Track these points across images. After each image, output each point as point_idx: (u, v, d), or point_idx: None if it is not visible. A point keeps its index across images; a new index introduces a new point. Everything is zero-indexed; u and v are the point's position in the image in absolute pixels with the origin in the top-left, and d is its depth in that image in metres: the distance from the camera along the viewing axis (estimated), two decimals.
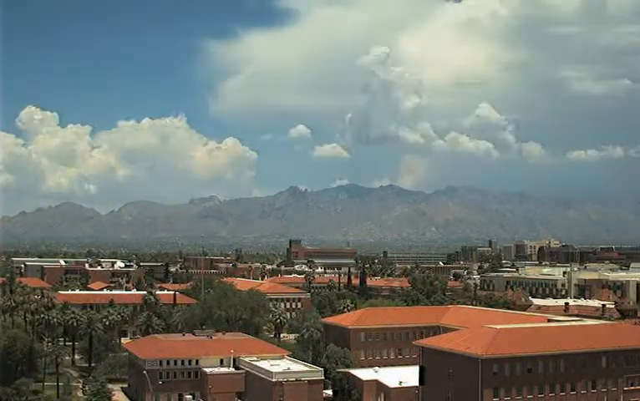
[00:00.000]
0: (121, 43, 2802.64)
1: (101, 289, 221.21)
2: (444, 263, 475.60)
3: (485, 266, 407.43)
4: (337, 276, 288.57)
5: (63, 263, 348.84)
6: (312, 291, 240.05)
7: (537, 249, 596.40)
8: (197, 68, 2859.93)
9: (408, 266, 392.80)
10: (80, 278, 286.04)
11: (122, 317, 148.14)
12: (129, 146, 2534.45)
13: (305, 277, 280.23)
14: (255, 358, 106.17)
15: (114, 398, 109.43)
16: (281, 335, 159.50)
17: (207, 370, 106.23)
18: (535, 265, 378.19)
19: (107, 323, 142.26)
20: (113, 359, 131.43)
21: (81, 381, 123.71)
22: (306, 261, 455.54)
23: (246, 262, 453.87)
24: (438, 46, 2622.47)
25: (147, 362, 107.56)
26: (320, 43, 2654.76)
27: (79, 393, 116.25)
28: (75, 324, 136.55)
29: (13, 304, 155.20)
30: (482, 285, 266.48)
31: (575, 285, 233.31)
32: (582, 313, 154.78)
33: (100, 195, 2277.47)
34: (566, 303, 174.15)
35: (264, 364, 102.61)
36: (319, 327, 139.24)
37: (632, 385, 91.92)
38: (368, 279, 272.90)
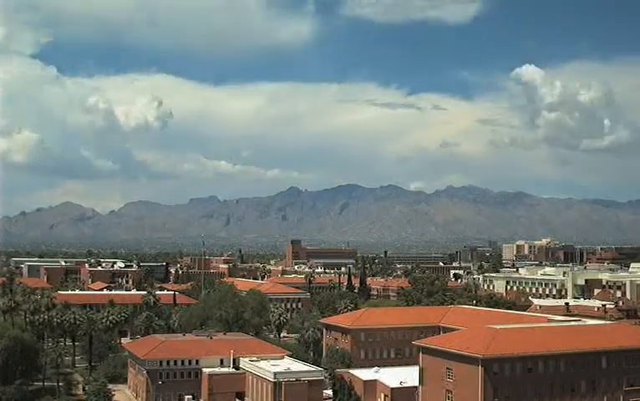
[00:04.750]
0: None
1: (101, 289, 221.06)
2: (444, 263, 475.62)
3: (486, 266, 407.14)
4: (337, 276, 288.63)
5: (63, 263, 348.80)
6: (313, 291, 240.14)
7: (537, 249, 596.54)
8: None
9: (409, 266, 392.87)
10: (79, 278, 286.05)
11: (122, 317, 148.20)
12: None
13: (305, 277, 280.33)
14: (255, 358, 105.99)
15: (114, 398, 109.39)
16: (282, 335, 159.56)
17: (207, 370, 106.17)
18: (535, 265, 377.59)
19: (107, 323, 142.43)
20: (113, 359, 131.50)
21: (81, 381, 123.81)
22: (306, 261, 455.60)
23: (246, 262, 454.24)
24: None
25: (147, 362, 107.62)
26: None
27: (80, 393, 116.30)
28: (75, 324, 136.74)
29: (13, 304, 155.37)
30: (482, 285, 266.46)
31: (575, 285, 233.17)
32: (582, 313, 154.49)
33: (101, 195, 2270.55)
34: (566, 303, 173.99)
35: (264, 364, 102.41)
36: (319, 327, 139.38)
37: (632, 385, 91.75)
38: (369, 279, 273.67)
